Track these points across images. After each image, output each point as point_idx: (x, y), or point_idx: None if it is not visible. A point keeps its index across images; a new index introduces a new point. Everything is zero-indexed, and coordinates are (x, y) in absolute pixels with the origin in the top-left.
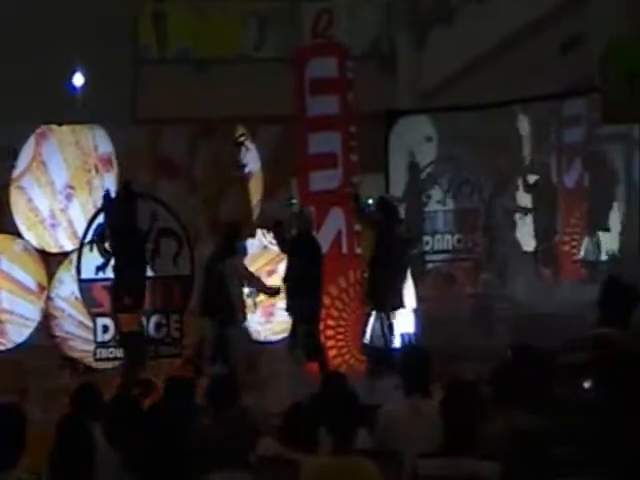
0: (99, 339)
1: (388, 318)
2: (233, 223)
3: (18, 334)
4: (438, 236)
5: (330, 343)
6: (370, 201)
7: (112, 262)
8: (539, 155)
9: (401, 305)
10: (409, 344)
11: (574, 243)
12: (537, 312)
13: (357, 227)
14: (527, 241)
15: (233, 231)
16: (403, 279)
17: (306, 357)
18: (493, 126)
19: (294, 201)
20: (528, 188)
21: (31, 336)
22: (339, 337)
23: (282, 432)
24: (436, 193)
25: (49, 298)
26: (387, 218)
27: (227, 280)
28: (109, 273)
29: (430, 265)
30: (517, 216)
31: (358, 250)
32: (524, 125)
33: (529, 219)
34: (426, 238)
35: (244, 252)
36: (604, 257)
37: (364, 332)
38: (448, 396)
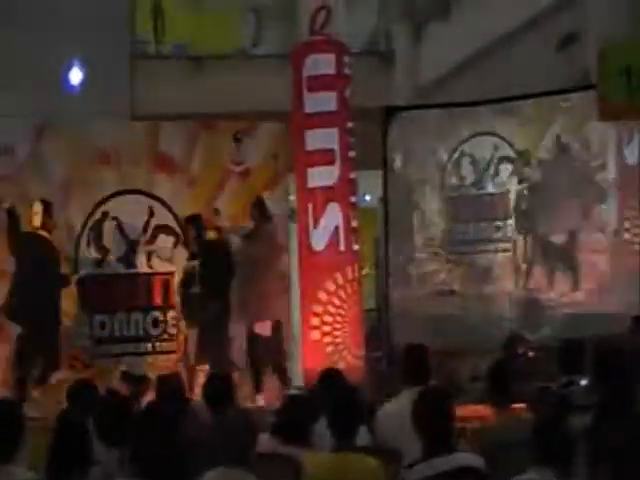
0: (96, 335)
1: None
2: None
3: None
4: (472, 224)
5: (327, 339)
6: (367, 197)
7: None
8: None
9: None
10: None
11: (636, 230)
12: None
13: (354, 223)
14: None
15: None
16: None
17: None
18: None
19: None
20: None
21: None
22: (336, 333)
23: (276, 427)
24: (470, 174)
25: None
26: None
27: None
28: (106, 269)
29: (465, 257)
30: (560, 199)
31: (355, 246)
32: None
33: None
34: (458, 227)
35: None
36: None
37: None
38: (418, 405)
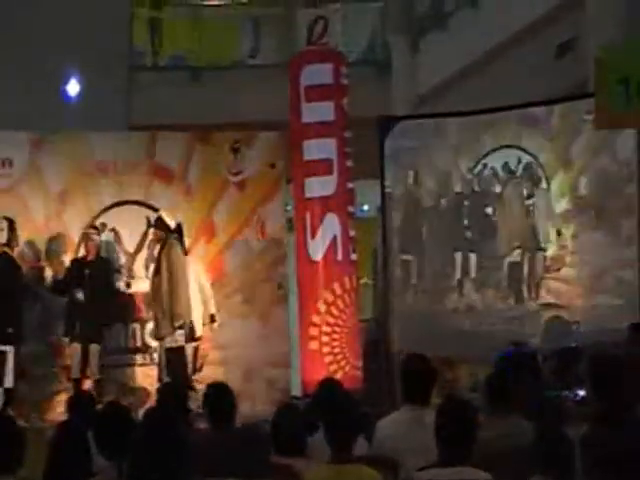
0: None
1: None
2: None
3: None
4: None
5: (326, 349)
6: (365, 207)
7: None
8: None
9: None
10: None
11: None
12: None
13: (352, 233)
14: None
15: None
16: None
17: None
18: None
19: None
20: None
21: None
22: (334, 344)
23: (271, 438)
24: (494, 185)
25: None
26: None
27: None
28: None
29: (483, 271)
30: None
31: (353, 256)
32: None
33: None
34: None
35: None
36: None
37: None
38: (442, 412)
